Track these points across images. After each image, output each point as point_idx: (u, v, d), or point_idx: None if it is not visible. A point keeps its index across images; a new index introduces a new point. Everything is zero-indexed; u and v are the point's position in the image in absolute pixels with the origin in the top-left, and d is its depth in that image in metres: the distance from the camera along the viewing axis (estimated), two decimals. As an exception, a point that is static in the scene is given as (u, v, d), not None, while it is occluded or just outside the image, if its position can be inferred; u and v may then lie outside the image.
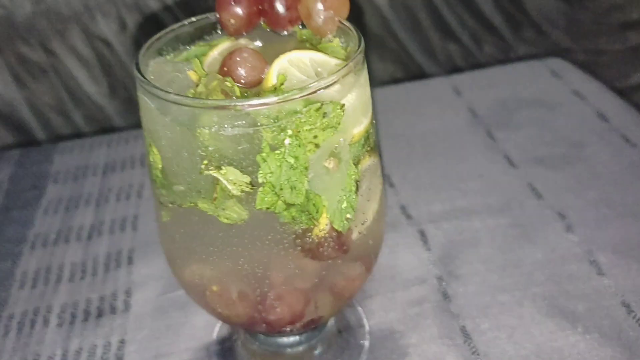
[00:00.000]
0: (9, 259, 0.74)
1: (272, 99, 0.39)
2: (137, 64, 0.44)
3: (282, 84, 0.43)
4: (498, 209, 0.74)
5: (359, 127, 0.45)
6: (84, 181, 0.87)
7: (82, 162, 0.91)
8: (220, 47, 0.50)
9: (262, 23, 0.51)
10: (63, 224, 0.79)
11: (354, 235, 0.48)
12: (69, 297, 0.69)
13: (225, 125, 0.40)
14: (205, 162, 0.42)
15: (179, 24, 0.50)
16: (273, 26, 0.51)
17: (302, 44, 0.50)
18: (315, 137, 0.41)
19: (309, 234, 0.45)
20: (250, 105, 0.40)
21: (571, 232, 0.70)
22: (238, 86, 0.44)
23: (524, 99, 0.92)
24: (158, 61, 0.48)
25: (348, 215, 0.45)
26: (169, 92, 0.41)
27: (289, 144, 0.41)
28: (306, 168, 0.42)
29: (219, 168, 0.42)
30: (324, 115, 0.41)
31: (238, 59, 0.45)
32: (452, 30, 1.20)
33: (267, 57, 0.46)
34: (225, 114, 0.40)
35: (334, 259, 0.47)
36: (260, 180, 0.41)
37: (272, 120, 0.40)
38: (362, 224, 0.48)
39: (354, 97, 0.44)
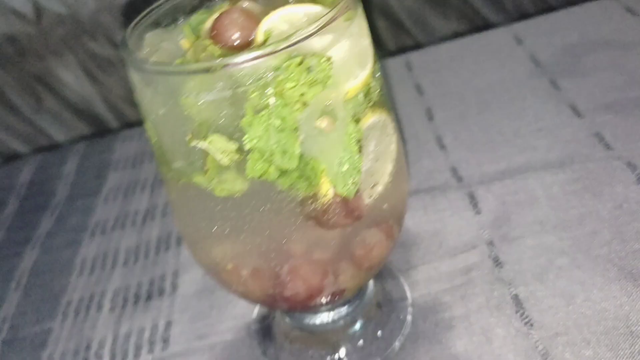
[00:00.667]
0: (70, 247, 0.78)
1: (244, 56, 0.36)
2: (123, 37, 0.43)
3: (266, 40, 0.40)
4: (559, 164, 0.66)
5: (354, 80, 0.41)
6: (141, 168, 0.89)
7: (140, 149, 0.93)
8: (220, 12, 0.48)
9: None
10: (121, 211, 0.82)
11: (365, 200, 0.44)
12: (122, 282, 0.70)
13: (205, 91, 0.38)
14: (192, 132, 0.40)
15: None
16: None
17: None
18: (302, 94, 0.38)
19: (313, 200, 0.42)
20: (220, 66, 0.37)
21: (643, 184, 0.62)
22: (224, 48, 0.41)
23: (594, 41, 0.83)
24: (154, 33, 0.47)
25: (352, 179, 0.42)
26: (146, 62, 0.39)
27: (273, 104, 0.38)
28: (295, 129, 0.39)
29: (205, 137, 0.40)
30: (309, 70, 0.38)
31: (226, 20, 0.42)
32: (519, -25, 1.10)
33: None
34: (202, 78, 0.38)
35: (344, 226, 0.44)
36: (248, 147, 0.39)
37: (251, 80, 0.37)
38: (372, 187, 0.44)
39: (346, 48, 0.40)
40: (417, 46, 1.11)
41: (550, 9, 1.10)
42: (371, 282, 0.60)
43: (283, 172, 0.40)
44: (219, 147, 0.39)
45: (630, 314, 0.52)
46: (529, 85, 0.79)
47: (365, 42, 0.43)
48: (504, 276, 0.58)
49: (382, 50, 1.12)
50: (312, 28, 0.37)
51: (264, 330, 0.60)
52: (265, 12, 0.44)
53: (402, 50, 1.10)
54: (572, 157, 0.67)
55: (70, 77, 1.15)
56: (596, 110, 0.72)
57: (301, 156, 0.39)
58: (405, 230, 0.65)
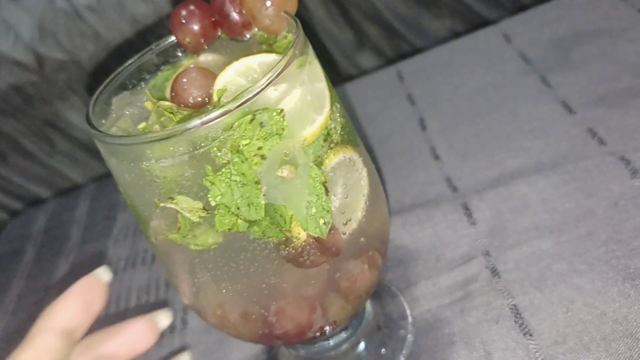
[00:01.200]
0: (86, 291, 0.80)
1: (194, 122, 0.37)
2: (87, 110, 0.44)
3: (219, 99, 0.41)
4: (551, 165, 0.66)
5: (311, 126, 0.41)
6: (148, 204, 0.90)
7: (147, 185, 0.95)
8: (184, 68, 0.49)
9: (220, 34, 0.50)
10: (131, 250, 0.83)
11: (341, 235, 0.44)
12: (135, 321, 0.72)
13: (163, 156, 0.39)
14: (158, 195, 0.41)
15: (138, 55, 0.50)
16: (231, 34, 0.49)
17: (261, 47, 0.48)
18: (259, 148, 0.39)
19: (288, 244, 0.42)
20: (173, 133, 0.38)
21: (637, 178, 0.60)
22: (183, 108, 0.42)
23: (583, 32, 0.81)
24: (120, 97, 0.48)
25: (323, 220, 0.42)
26: (106, 135, 0.41)
27: (232, 161, 0.39)
28: (257, 182, 0.39)
29: (172, 199, 0.41)
30: (261, 124, 0.38)
31: (183, 80, 0.43)
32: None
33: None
34: (159, 145, 0.39)
35: (323, 263, 0.44)
36: (212, 204, 0.40)
37: (207, 142, 0.38)
38: (345, 224, 0.44)
39: (299, 95, 0.41)
40: (414, 50, 1.10)
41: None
42: (370, 304, 0.60)
43: (252, 223, 0.41)
44: (185, 207, 0.40)
45: (629, 316, 0.51)
46: (519, 85, 0.79)
47: (319, 85, 0.43)
48: (501, 286, 0.58)
49: (379, 58, 1.12)
50: (261, 83, 0.38)
51: (271, 358, 0.61)
52: (228, 63, 0.45)
53: (399, 56, 1.10)
54: (565, 156, 0.66)
55: (78, 119, 1.17)
56: (588, 105, 0.71)
57: (268, 205, 0.40)
58: (403, 246, 0.65)
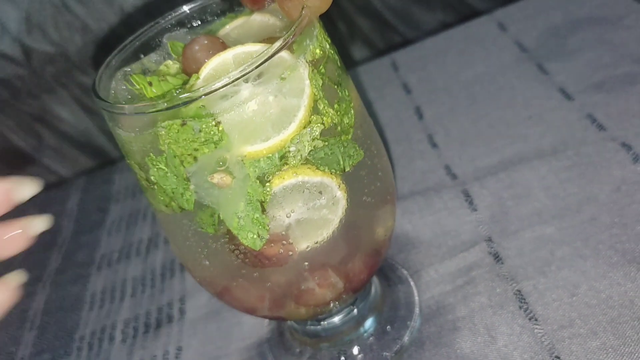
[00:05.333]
0: (79, 283, 0.78)
1: (128, 108, 0.39)
2: (96, 80, 0.44)
3: (192, 85, 0.40)
4: (552, 151, 0.66)
5: (261, 144, 0.39)
6: (141, 197, 0.89)
7: (139, 177, 0.93)
8: (234, 23, 0.48)
9: None
10: (125, 241, 0.82)
11: (280, 252, 0.43)
12: (131, 312, 0.71)
13: (116, 125, 0.41)
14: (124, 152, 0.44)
15: None
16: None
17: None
18: (195, 149, 0.38)
19: (228, 238, 0.43)
20: (118, 111, 0.39)
21: (639, 163, 0.60)
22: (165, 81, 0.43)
23: (578, 19, 0.81)
24: (172, 35, 0.48)
25: (254, 234, 0.41)
26: (95, 86, 0.43)
27: (166, 152, 0.39)
28: (186, 179, 0.40)
29: (129, 160, 0.44)
30: (194, 130, 0.38)
31: (189, 48, 0.43)
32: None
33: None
34: (117, 117, 0.41)
35: (262, 267, 0.44)
36: (152, 179, 0.41)
37: (144, 129, 0.39)
38: (283, 244, 0.43)
39: (257, 107, 0.38)
40: (406, 42, 1.10)
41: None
42: (376, 285, 0.60)
43: (182, 209, 0.42)
44: (136, 172, 0.43)
45: (635, 299, 0.51)
46: (516, 72, 0.78)
47: (291, 102, 0.39)
48: (505, 272, 0.57)
49: (370, 50, 1.12)
50: (205, 87, 0.36)
51: (276, 342, 0.61)
52: (279, 27, 0.45)
53: (390, 48, 1.09)
54: (566, 142, 0.66)
55: (66, 113, 1.15)
56: (586, 91, 0.71)
57: (199, 202, 0.41)
58: (404, 234, 0.65)
